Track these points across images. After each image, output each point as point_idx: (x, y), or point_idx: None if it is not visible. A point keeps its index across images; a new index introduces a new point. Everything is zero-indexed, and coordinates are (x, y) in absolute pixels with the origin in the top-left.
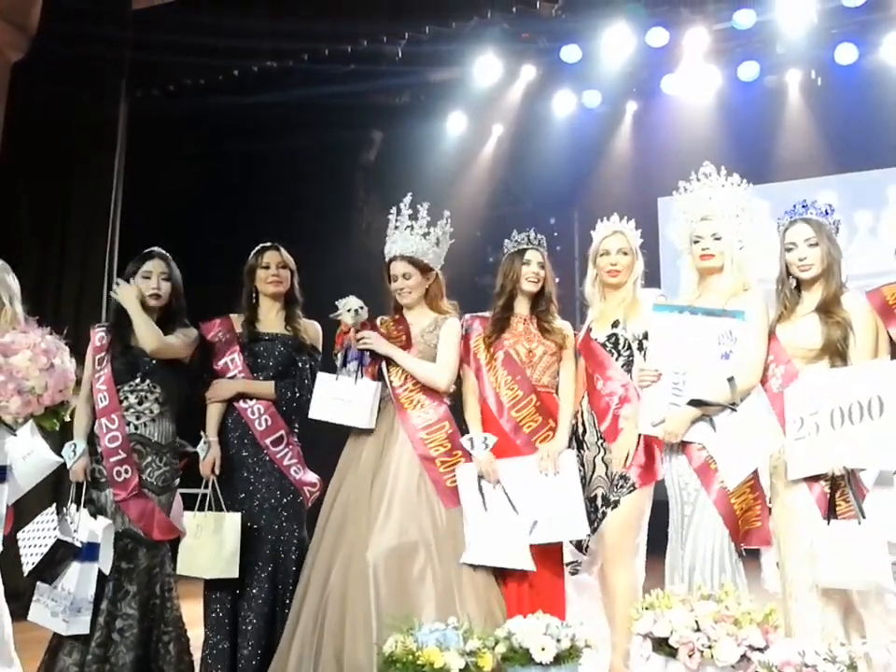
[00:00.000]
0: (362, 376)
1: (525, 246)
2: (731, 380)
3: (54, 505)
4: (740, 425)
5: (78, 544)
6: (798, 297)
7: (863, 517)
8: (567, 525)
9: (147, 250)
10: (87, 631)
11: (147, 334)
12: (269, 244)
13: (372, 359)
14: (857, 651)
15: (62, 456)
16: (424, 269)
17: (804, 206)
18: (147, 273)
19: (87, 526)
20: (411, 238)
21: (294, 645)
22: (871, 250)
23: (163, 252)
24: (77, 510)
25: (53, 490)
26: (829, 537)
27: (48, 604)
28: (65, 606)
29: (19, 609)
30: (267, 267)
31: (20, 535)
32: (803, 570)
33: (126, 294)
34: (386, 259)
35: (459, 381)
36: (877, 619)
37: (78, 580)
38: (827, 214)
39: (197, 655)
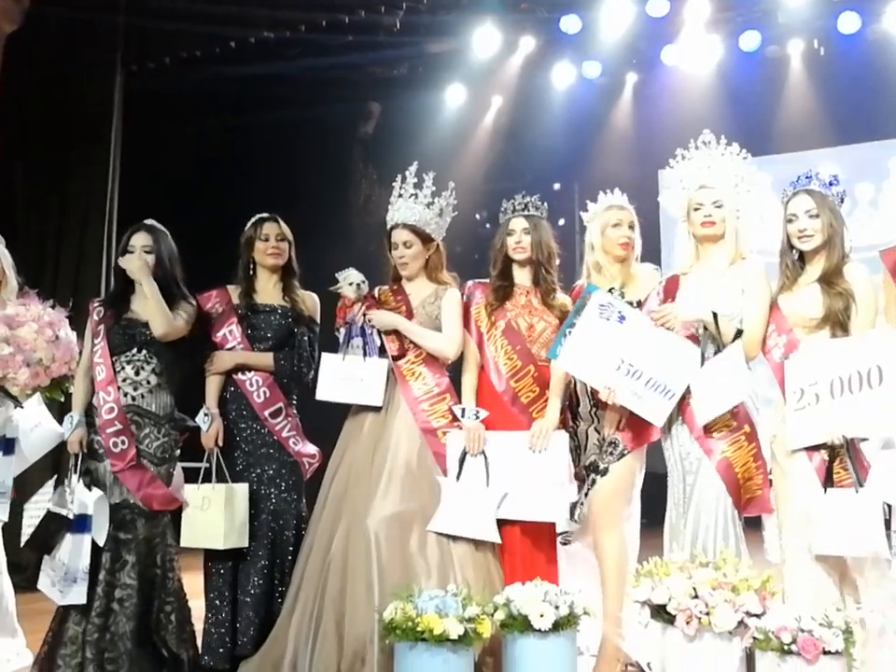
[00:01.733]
0: (370, 354)
1: (509, 216)
2: (739, 332)
3: (55, 477)
4: (723, 365)
5: (71, 516)
6: (800, 268)
7: (861, 486)
8: (540, 506)
9: (135, 224)
10: (83, 601)
11: (157, 317)
12: (267, 215)
13: (380, 337)
14: (852, 615)
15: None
16: (425, 238)
17: (807, 178)
18: (131, 247)
19: (80, 498)
20: (414, 207)
21: (295, 613)
22: (872, 222)
23: (152, 224)
24: (78, 481)
25: (55, 462)
26: (826, 505)
27: (49, 574)
28: (60, 576)
29: (22, 582)
30: (266, 239)
31: (26, 507)
32: (800, 537)
33: (136, 267)
34: (388, 227)
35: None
36: (873, 584)
37: (71, 551)
38: (830, 185)
39: (198, 626)
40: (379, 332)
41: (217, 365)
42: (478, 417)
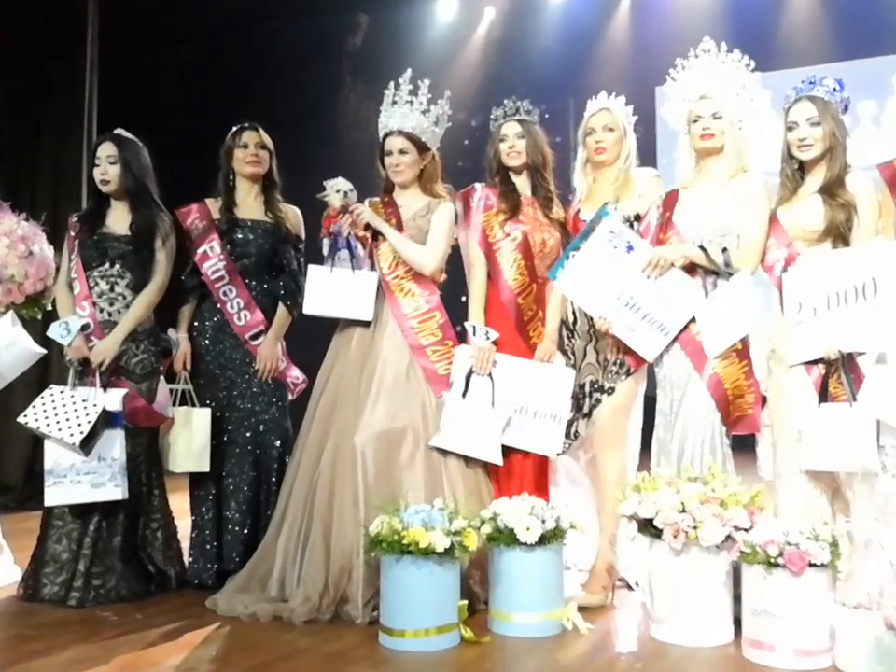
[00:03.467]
0: (357, 266)
1: (500, 121)
2: (724, 250)
3: (53, 386)
4: (729, 294)
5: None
6: (800, 178)
7: (855, 400)
8: (537, 438)
9: (103, 135)
10: (128, 496)
11: (144, 313)
12: (247, 124)
13: (363, 246)
14: (839, 529)
15: (49, 343)
16: (421, 147)
17: (811, 83)
18: (98, 159)
19: (106, 397)
20: (410, 114)
21: (283, 530)
22: (874, 140)
23: (118, 134)
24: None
25: (39, 381)
26: (820, 420)
27: (80, 479)
28: (113, 472)
29: (10, 502)
30: (245, 146)
31: (29, 416)
32: (793, 452)
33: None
34: (381, 134)
35: (451, 271)
36: (861, 498)
37: (121, 446)
38: (834, 91)
39: (185, 544)
40: (363, 244)
41: (264, 368)
42: (489, 338)
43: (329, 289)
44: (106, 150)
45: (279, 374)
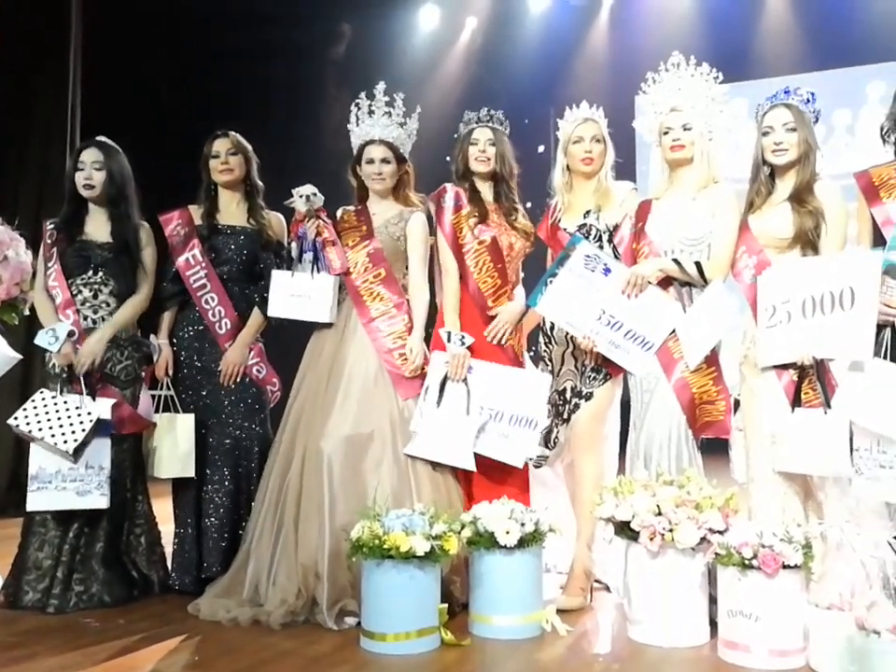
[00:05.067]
0: (319, 270)
1: (472, 125)
2: (698, 264)
3: (44, 390)
4: (705, 305)
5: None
6: (772, 185)
7: (829, 407)
8: (510, 446)
9: (85, 141)
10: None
11: (130, 319)
12: (219, 132)
13: (325, 250)
14: (812, 531)
15: (31, 349)
16: (399, 158)
17: (786, 92)
18: (81, 163)
19: (96, 406)
20: (390, 125)
21: (257, 534)
22: (848, 149)
23: (103, 141)
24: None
25: (21, 386)
26: (793, 425)
27: (66, 486)
28: (100, 481)
29: None
30: (217, 156)
31: (20, 419)
32: (766, 456)
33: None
34: (361, 142)
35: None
36: (833, 500)
37: (108, 455)
38: (808, 102)
39: (169, 550)
40: (326, 247)
41: (227, 372)
42: (464, 343)
43: (290, 293)
44: (92, 156)
45: (260, 382)
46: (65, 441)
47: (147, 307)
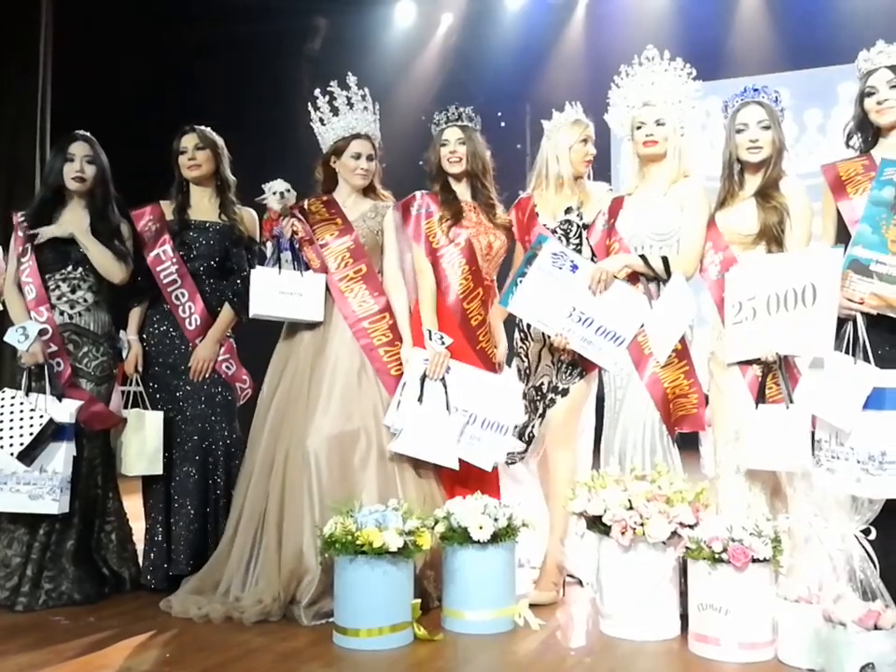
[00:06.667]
0: (305, 268)
1: (442, 126)
2: (665, 259)
3: (6, 390)
4: (667, 299)
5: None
6: (741, 182)
7: (791, 402)
8: (481, 449)
9: (70, 133)
10: (67, 510)
11: (113, 267)
12: (186, 127)
13: (302, 248)
14: (781, 525)
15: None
16: (376, 153)
17: (755, 90)
18: (70, 155)
19: (58, 408)
20: (372, 120)
21: (238, 533)
22: (819, 148)
23: (87, 135)
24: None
25: None
26: (756, 420)
27: (20, 489)
28: (52, 486)
29: None
30: (184, 152)
31: None
32: (731, 452)
33: (79, 231)
34: (347, 134)
35: None
36: (801, 494)
37: (65, 459)
38: (776, 101)
39: (140, 547)
40: (304, 246)
41: (197, 368)
42: (443, 343)
43: (278, 291)
44: (83, 149)
45: (230, 379)
46: (11, 445)
47: (126, 270)
